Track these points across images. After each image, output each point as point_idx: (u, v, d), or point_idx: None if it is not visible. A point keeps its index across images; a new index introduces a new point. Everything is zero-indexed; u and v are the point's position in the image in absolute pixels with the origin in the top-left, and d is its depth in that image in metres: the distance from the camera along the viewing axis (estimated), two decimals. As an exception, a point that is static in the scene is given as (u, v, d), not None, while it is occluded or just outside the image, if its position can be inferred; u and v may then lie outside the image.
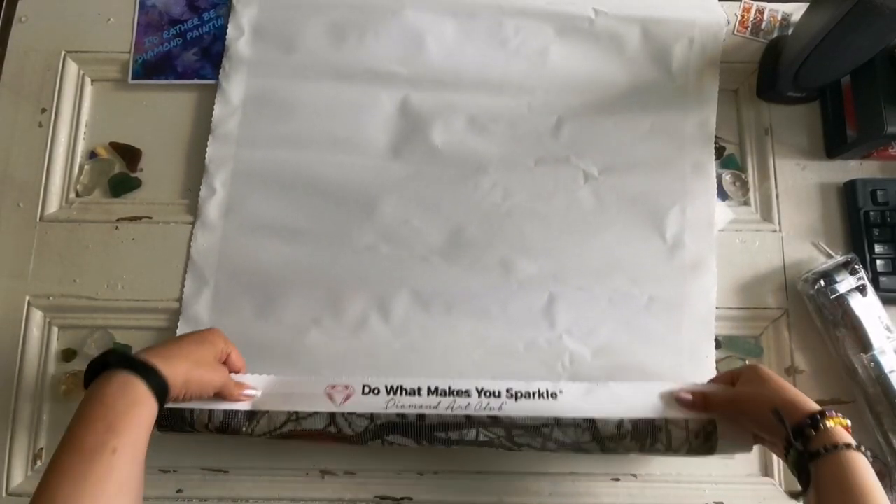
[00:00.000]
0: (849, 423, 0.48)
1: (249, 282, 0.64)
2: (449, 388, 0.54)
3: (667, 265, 0.64)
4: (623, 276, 0.64)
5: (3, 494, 0.61)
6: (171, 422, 0.54)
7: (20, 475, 0.61)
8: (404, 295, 0.64)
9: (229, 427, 0.54)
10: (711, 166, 0.67)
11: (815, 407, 0.48)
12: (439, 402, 0.54)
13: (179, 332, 0.63)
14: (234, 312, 0.63)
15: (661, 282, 0.64)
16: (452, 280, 0.64)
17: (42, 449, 0.62)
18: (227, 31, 0.71)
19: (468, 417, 0.54)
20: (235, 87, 0.69)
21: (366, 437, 0.54)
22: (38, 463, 0.62)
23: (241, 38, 0.70)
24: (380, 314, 0.63)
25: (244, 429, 0.54)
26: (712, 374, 0.61)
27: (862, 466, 0.44)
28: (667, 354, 0.62)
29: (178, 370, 0.46)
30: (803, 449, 0.46)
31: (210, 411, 0.54)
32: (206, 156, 0.67)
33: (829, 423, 0.46)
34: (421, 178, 0.67)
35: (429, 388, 0.55)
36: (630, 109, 0.69)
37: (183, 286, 0.65)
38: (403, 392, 0.54)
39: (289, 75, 0.69)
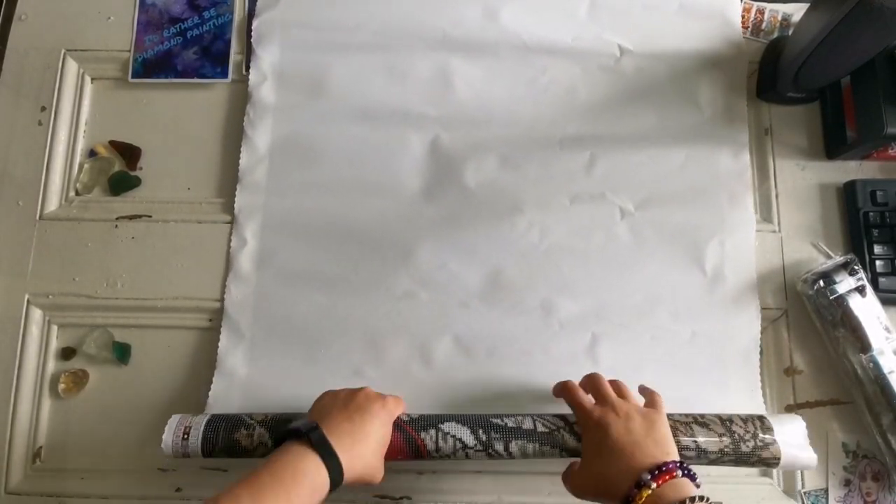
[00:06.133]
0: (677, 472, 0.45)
1: (287, 334, 0.63)
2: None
3: (708, 299, 0.64)
4: (665, 312, 0.64)
5: (3, 493, 0.61)
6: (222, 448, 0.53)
7: (19, 474, 0.61)
8: (446, 341, 0.63)
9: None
10: (748, 197, 0.67)
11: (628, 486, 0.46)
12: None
13: (213, 389, 0.61)
14: (272, 366, 0.62)
15: (703, 316, 0.63)
16: (493, 324, 0.63)
17: (41, 447, 0.62)
18: (249, 76, 0.69)
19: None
20: (261, 134, 0.68)
21: (420, 425, 0.54)
22: (38, 461, 0.62)
23: (263, 84, 0.69)
24: (422, 361, 0.63)
25: None
26: (760, 408, 0.61)
27: None
28: (713, 390, 0.61)
29: (355, 467, 0.48)
30: None
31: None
32: (235, 206, 0.66)
33: (645, 494, 0.45)
34: (455, 221, 0.66)
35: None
36: (662, 143, 0.68)
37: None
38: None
39: (316, 120, 0.68)
